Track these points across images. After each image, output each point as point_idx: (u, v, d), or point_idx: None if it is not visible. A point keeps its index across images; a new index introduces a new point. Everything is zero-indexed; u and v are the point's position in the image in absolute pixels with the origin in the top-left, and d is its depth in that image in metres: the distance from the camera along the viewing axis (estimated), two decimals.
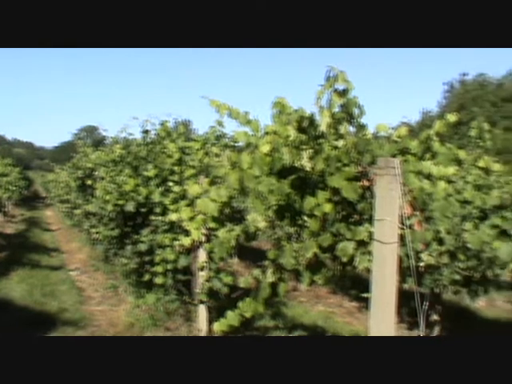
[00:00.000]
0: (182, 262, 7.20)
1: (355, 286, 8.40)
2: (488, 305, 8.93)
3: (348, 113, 3.91)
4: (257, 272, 4.08)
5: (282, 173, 3.90)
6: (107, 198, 8.71)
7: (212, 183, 4.89)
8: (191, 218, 5.33)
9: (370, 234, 3.68)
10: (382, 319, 3.47)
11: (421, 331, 3.97)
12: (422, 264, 5.60)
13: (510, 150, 24.09)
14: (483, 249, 5.70)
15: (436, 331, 6.77)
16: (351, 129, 4.02)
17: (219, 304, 6.23)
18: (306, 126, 3.90)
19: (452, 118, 4.40)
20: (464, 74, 29.64)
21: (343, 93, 3.85)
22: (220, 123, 8.08)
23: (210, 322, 6.28)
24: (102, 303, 8.59)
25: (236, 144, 7.80)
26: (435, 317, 6.74)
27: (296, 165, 3.93)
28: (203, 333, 6.47)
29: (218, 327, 4.09)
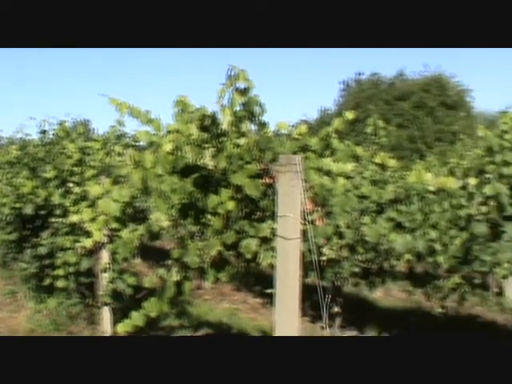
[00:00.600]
0: (85, 264, 7.04)
1: (259, 282, 8.51)
2: (385, 295, 9.28)
3: (249, 111, 3.95)
4: (161, 271, 4.06)
5: (185, 171, 3.89)
6: (4, 201, 8.42)
7: (114, 183, 4.81)
8: (93, 219, 5.23)
9: (273, 231, 3.73)
10: (286, 314, 3.53)
11: (324, 323, 4.09)
12: (323, 258, 5.75)
13: (402, 146, 25.09)
14: (380, 241, 5.92)
15: (337, 323, 6.96)
16: (253, 127, 4.06)
17: (123, 305, 6.14)
18: (208, 124, 3.92)
19: (349, 115, 4.54)
20: (359, 74, 30.55)
21: (244, 91, 3.89)
22: (120, 122, 7.96)
23: (115, 323, 6.18)
24: (0, 310, 8.27)
25: (137, 143, 7.72)
26: (336, 309, 6.93)
27: (199, 163, 3.93)
28: (107, 335, 6.37)
29: (122, 328, 4.04)
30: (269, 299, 7.74)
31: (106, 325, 6.47)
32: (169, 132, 3.95)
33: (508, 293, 8.86)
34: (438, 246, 5.68)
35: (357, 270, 6.20)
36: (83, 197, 6.84)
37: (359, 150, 5.66)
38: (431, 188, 5.81)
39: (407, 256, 5.94)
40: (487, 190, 5.29)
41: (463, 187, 5.70)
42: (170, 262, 4.09)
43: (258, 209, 4.03)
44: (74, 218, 6.57)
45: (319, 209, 5.00)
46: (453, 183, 5.56)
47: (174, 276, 4.00)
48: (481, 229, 5.32)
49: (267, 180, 3.93)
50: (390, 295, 9.35)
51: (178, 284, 4.05)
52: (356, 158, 5.59)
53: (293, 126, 4.44)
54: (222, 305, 9.00)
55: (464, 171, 6.42)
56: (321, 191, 4.74)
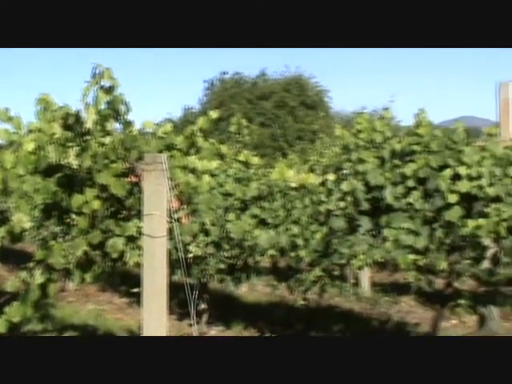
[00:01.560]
0: None
1: (125, 281, 8.41)
2: (250, 290, 9.48)
3: (114, 110, 3.94)
4: (24, 274, 3.94)
5: (48, 171, 3.81)
6: None
7: None
8: None
9: (140, 229, 3.75)
10: (154, 312, 3.56)
11: (192, 320, 4.14)
12: (190, 255, 5.81)
13: (265, 145, 25.67)
14: (245, 238, 6.07)
15: (204, 319, 7.04)
16: (118, 125, 4.05)
17: None
18: (71, 123, 3.86)
19: (214, 114, 4.64)
20: (224, 73, 30.82)
21: (109, 90, 3.87)
22: None
23: None
24: None
25: None
26: (203, 306, 7.01)
27: (62, 162, 3.86)
28: None
29: None
30: (135, 298, 7.68)
31: None
32: (30, 131, 3.84)
33: (363, 283, 9.38)
34: (299, 241, 5.91)
35: (222, 266, 6.31)
36: None
37: (224, 148, 5.78)
38: (293, 185, 6.04)
39: (271, 251, 6.12)
40: (344, 186, 5.57)
41: (322, 184, 5.97)
42: (32, 264, 3.98)
43: (123, 208, 4.02)
44: None
45: (185, 207, 5.06)
46: (313, 180, 5.82)
47: (38, 278, 3.90)
48: (339, 223, 5.60)
49: (133, 179, 3.93)
50: (254, 290, 9.57)
51: (43, 286, 3.95)
52: (220, 156, 5.71)
53: (157, 124, 4.47)
54: (87, 306, 8.81)
55: (323, 168, 6.72)
56: (186, 189, 4.80)
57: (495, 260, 5.11)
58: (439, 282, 7.04)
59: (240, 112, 23.39)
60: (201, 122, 4.47)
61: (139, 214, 3.69)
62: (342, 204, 5.60)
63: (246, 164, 6.47)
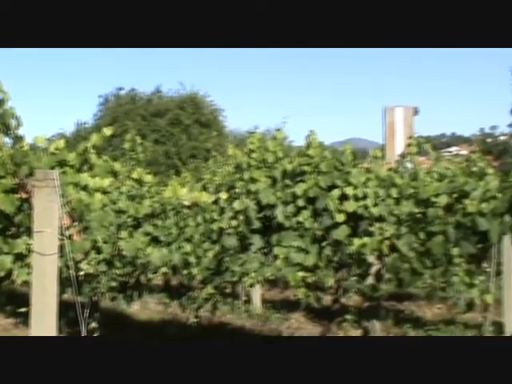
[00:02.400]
0: None
1: (11, 301, 8.11)
2: (142, 308, 9.40)
3: (4, 124, 3.86)
4: None
5: None
6: None
7: None
8: None
9: (29, 247, 3.68)
10: (43, 332, 3.50)
11: None
12: (81, 273, 5.71)
13: (159, 162, 25.55)
14: (137, 255, 6.04)
15: None
16: (8, 140, 3.96)
17: None
18: None
19: (108, 131, 4.63)
20: (120, 89, 30.42)
21: None
22: None
23: None
24: None
25: None
26: (94, 324, 6.88)
27: None
28: None
29: None
30: (22, 318, 7.42)
31: None
32: None
33: (255, 300, 9.52)
34: (192, 259, 5.95)
35: (114, 284, 6.23)
36: None
37: (117, 166, 5.75)
38: (186, 203, 6.09)
39: (163, 269, 6.12)
40: (236, 204, 5.68)
41: (215, 202, 6.05)
42: None
43: (12, 224, 3.93)
44: None
45: (77, 224, 4.99)
46: (206, 198, 5.89)
47: None
48: (231, 241, 5.69)
49: (23, 195, 3.85)
50: (147, 308, 9.49)
51: None
52: (114, 174, 5.67)
53: (50, 139, 4.40)
54: None
55: (216, 187, 6.81)
56: (78, 206, 4.75)
57: (378, 276, 5.37)
58: (327, 299, 7.30)
59: (134, 129, 23.23)
60: (94, 138, 4.45)
61: (29, 231, 3.63)
62: (234, 222, 5.70)
63: (140, 181, 6.46)
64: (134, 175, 6.47)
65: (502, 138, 34.60)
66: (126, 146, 8.52)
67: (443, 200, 5.11)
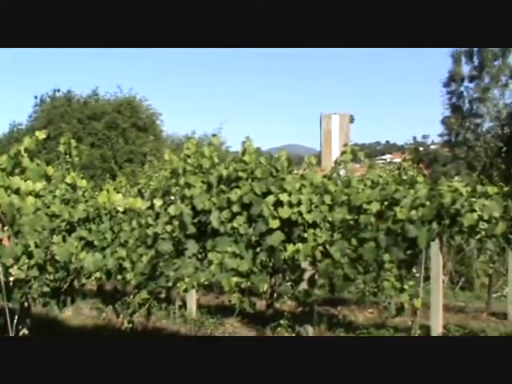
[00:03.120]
0: None
1: None
2: (75, 313, 9.26)
3: None
4: None
5: None
6: None
7: None
8: None
9: None
10: None
11: None
12: (11, 279, 5.60)
13: (95, 165, 25.19)
14: (71, 260, 5.97)
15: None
16: None
17: None
18: None
19: (41, 135, 4.57)
20: (56, 90, 29.78)
21: None
22: None
23: None
24: None
25: None
26: (25, 331, 6.75)
27: None
28: None
29: None
30: None
31: None
32: None
33: (190, 305, 9.52)
34: (126, 264, 5.92)
35: (47, 289, 6.13)
36: None
37: (50, 170, 5.67)
38: (120, 209, 6.06)
39: (97, 274, 6.07)
40: (171, 210, 5.69)
41: (151, 207, 6.04)
42: None
43: None
44: None
45: (7, 228, 4.90)
46: (140, 204, 5.87)
47: None
48: (166, 246, 5.69)
49: None
50: (80, 314, 9.36)
51: None
52: (47, 178, 5.59)
53: None
54: None
55: (151, 192, 6.79)
56: (10, 210, 4.66)
57: (312, 282, 5.46)
58: (262, 304, 7.38)
59: (70, 131, 22.82)
60: (27, 141, 4.38)
61: None
62: (169, 227, 5.71)
63: (74, 186, 6.38)
64: (68, 179, 6.38)
65: (432, 147, 35.68)
66: (61, 149, 8.38)
67: (375, 207, 5.24)
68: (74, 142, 8.69)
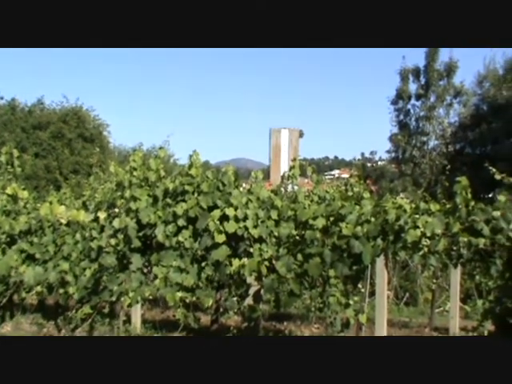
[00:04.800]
0: None
1: None
2: (14, 329, 8.99)
3: None
4: None
5: None
6: None
7: None
8: None
9: None
10: None
11: None
12: None
13: (39, 176, 24.67)
14: (10, 274, 5.81)
15: None
16: None
17: None
18: None
19: None
20: (0, 98, 29.10)
21: None
22: None
23: None
24: None
25: None
26: None
27: None
28: None
29: None
30: None
31: None
32: None
33: (134, 320, 9.36)
34: (69, 278, 5.79)
35: None
36: None
37: None
38: (63, 221, 5.93)
39: (38, 288, 5.92)
40: (116, 223, 5.60)
41: (95, 220, 5.94)
42: None
43: None
44: None
45: None
46: (84, 217, 5.76)
47: None
48: (110, 260, 5.59)
49: None
50: (20, 329, 9.08)
51: None
52: None
53: None
54: None
55: (96, 204, 6.68)
56: None
57: (257, 297, 5.44)
58: (207, 319, 7.31)
59: (13, 141, 22.30)
60: None
61: None
62: (113, 241, 5.62)
63: (15, 197, 6.22)
64: (9, 190, 6.22)
65: (380, 163, 36.24)
66: (2, 158, 8.16)
67: (320, 223, 5.27)
68: (16, 152, 8.48)
